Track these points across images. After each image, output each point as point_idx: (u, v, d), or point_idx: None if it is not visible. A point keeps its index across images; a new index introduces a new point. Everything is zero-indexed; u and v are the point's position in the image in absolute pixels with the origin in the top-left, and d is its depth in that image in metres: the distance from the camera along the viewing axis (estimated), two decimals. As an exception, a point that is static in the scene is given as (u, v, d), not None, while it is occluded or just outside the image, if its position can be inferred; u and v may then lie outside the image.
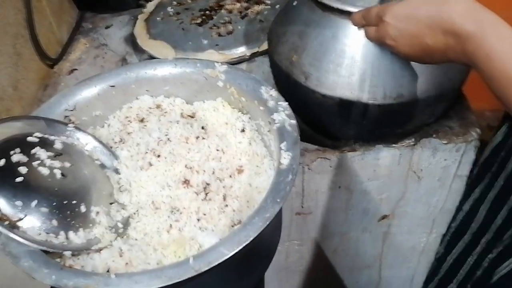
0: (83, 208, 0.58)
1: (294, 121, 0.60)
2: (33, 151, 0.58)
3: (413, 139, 0.83)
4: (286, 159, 0.56)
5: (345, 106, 0.72)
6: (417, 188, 0.91)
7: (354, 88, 0.70)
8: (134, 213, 0.60)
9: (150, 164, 0.63)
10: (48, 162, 0.58)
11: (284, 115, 0.61)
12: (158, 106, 0.71)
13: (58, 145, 0.61)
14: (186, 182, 0.62)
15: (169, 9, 1.06)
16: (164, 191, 0.61)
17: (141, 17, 1.06)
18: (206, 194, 0.61)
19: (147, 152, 0.64)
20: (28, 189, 0.55)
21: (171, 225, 0.59)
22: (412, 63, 0.68)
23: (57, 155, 0.60)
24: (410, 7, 0.56)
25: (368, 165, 0.84)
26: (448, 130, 0.85)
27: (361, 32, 0.67)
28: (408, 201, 0.93)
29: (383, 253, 1.07)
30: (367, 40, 0.67)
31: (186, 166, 0.63)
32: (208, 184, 0.62)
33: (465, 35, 0.50)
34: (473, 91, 0.88)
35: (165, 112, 0.70)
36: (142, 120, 0.69)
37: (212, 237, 0.57)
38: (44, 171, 0.57)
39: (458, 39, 0.51)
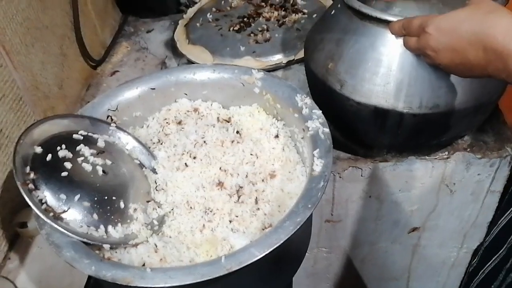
0: (122, 204, 0.60)
1: (327, 129, 0.61)
2: (77, 148, 0.61)
3: (446, 152, 0.83)
4: (318, 166, 0.57)
5: (380, 114, 0.73)
6: (449, 201, 0.90)
7: (389, 97, 0.71)
8: (169, 212, 0.63)
9: (186, 165, 0.65)
10: (91, 159, 0.61)
11: (318, 123, 0.62)
12: (195, 110, 0.73)
13: (100, 143, 0.64)
14: (220, 184, 0.64)
15: (209, 15, 1.09)
16: (199, 192, 0.63)
17: (181, 22, 1.09)
18: (239, 196, 0.63)
19: (183, 154, 0.66)
20: (72, 183, 0.58)
21: (204, 225, 0.61)
22: (449, 74, 0.68)
23: (100, 152, 0.63)
24: (454, 20, 0.57)
25: (400, 176, 0.84)
26: (482, 144, 0.84)
27: (399, 42, 0.68)
28: (440, 214, 0.93)
29: (412, 265, 1.06)
30: (404, 49, 0.68)
31: (220, 168, 0.65)
32: (241, 187, 0.64)
33: (507, 53, 0.51)
34: (509, 105, 0.87)
35: (202, 116, 0.73)
36: (180, 123, 0.72)
37: (243, 239, 0.58)
38: (87, 167, 0.60)
39: (500, 57, 0.52)
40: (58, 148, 0.60)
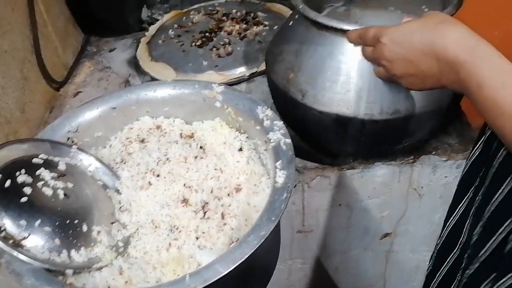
0: (85, 228, 0.59)
1: (289, 140, 0.61)
2: (37, 172, 0.60)
3: (412, 156, 0.84)
4: (281, 177, 0.57)
5: (342, 122, 0.73)
6: (418, 205, 0.91)
7: (350, 105, 0.71)
8: (135, 232, 0.61)
9: (150, 184, 0.64)
10: (52, 182, 0.60)
11: (279, 134, 0.62)
12: (158, 127, 0.72)
13: (62, 166, 0.63)
14: (185, 201, 0.63)
15: (170, 32, 1.09)
16: (163, 210, 0.62)
17: (143, 40, 1.09)
18: (205, 212, 0.62)
19: (147, 172, 0.65)
20: (32, 209, 0.57)
21: (170, 244, 0.60)
22: None
23: (61, 175, 0.62)
24: (407, 31, 0.57)
25: (368, 182, 0.85)
26: (447, 147, 0.85)
27: (356, 49, 0.68)
28: (410, 219, 0.93)
29: (387, 272, 1.06)
30: (363, 57, 0.69)
31: (185, 185, 0.64)
32: (206, 203, 0.63)
33: (458, 63, 0.51)
34: (472, 107, 0.89)
35: (165, 133, 0.72)
36: (142, 141, 0.71)
37: (211, 256, 0.58)
38: (48, 191, 0.59)
39: (451, 67, 0.52)
40: (18, 173, 0.58)
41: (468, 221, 0.63)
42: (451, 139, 0.87)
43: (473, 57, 0.50)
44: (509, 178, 0.55)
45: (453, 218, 0.67)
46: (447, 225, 0.69)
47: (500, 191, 0.57)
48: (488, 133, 0.62)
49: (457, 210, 0.66)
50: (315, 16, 0.70)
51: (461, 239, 0.65)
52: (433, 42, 0.53)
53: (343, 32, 0.69)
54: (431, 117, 0.75)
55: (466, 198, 0.65)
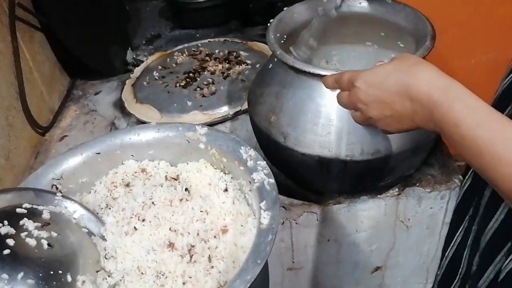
0: (69, 278, 0.58)
1: (272, 180, 0.61)
2: (21, 222, 0.59)
3: (397, 189, 0.85)
4: (266, 218, 0.57)
5: (325, 163, 0.74)
6: (406, 237, 0.91)
7: (331, 146, 0.73)
8: (120, 280, 0.61)
9: (135, 229, 0.64)
10: (35, 232, 0.59)
11: (262, 174, 0.62)
12: (143, 170, 0.72)
13: (46, 215, 0.62)
14: (171, 245, 0.63)
15: (155, 73, 1.10)
16: (149, 255, 0.62)
17: (129, 82, 1.10)
18: (191, 256, 0.62)
19: (132, 217, 0.65)
20: (15, 261, 0.56)
21: (156, 290, 0.59)
22: None
23: (45, 225, 0.61)
24: (380, 74, 0.58)
25: (355, 216, 0.85)
26: (430, 178, 0.86)
27: (335, 93, 0.70)
28: (399, 251, 0.93)
29: (380, 305, 1.05)
30: (339, 103, 0.70)
31: (170, 229, 0.64)
32: (193, 246, 0.63)
33: (433, 103, 0.52)
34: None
35: (150, 176, 0.72)
36: (128, 185, 0.71)
37: (198, 301, 0.57)
38: (31, 242, 0.58)
39: (425, 106, 0.53)
40: (0, 225, 0.58)
41: (466, 250, 0.63)
42: (434, 170, 0.88)
43: (446, 96, 0.50)
44: (501, 207, 0.56)
45: (451, 248, 0.67)
46: (446, 255, 0.69)
47: (494, 220, 0.57)
48: None
49: (454, 239, 0.67)
50: (293, 62, 0.71)
51: (460, 269, 0.65)
52: (407, 83, 0.54)
53: (319, 76, 0.70)
54: (411, 154, 0.76)
55: (462, 228, 0.66)
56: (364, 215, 0.86)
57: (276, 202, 0.59)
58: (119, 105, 1.07)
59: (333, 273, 0.95)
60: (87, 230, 0.65)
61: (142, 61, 1.19)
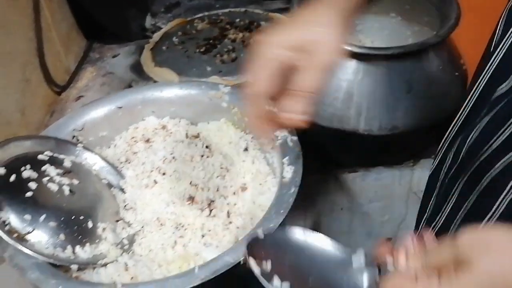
0: (90, 224, 0.59)
1: (295, 137, 0.62)
2: (43, 168, 0.60)
3: (412, 160, 0.85)
4: (288, 172, 0.57)
5: (343, 137, 0.75)
6: (418, 209, 0.91)
7: (350, 121, 0.73)
8: (140, 230, 0.61)
9: (155, 182, 0.64)
10: (57, 178, 0.60)
11: (286, 131, 0.63)
12: (163, 127, 0.73)
13: (67, 163, 0.63)
14: (191, 199, 0.63)
15: (174, 39, 1.10)
16: (169, 208, 0.62)
17: (147, 46, 1.09)
18: (211, 210, 0.62)
19: (152, 171, 0.66)
20: (37, 204, 0.57)
21: (175, 241, 0.59)
22: (406, 96, 0.71)
23: (66, 172, 0.62)
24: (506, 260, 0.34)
25: (369, 186, 0.85)
26: (446, 151, 0.86)
27: (357, 69, 0.71)
28: (410, 224, 0.93)
29: (387, 278, 1.06)
30: (362, 76, 0.70)
31: (191, 183, 0.64)
32: (212, 201, 0.63)
33: None
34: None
35: (170, 133, 0.72)
36: (148, 140, 0.71)
37: (217, 253, 0.57)
38: (53, 187, 0.59)
39: None
40: (23, 168, 0.58)
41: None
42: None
43: None
44: None
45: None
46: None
47: None
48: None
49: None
50: None
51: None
52: None
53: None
54: (429, 131, 0.77)
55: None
56: (378, 185, 0.86)
57: (299, 157, 0.59)
58: (137, 68, 1.06)
59: (345, 243, 0.95)
60: (106, 182, 0.66)
61: (161, 28, 1.18)
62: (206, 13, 1.19)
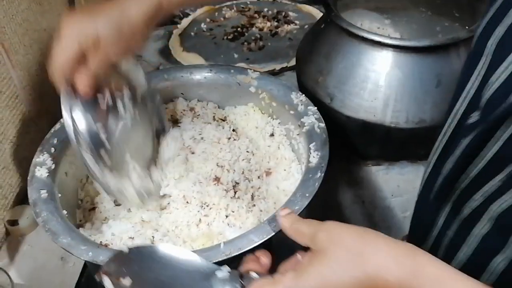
0: (127, 157, 0.60)
1: (323, 124, 0.62)
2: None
3: (437, 157, 0.84)
4: (315, 158, 0.58)
5: (368, 128, 0.75)
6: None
7: (377, 112, 0.73)
8: (167, 205, 0.62)
9: (187, 160, 0.65)
10: (127, 103, 0.61)
11: (313, 118, 0.63)
12: (191, 109, 0.74)
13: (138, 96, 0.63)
14: (217, 179, 0.64)
15: (203, 25, 1.11)
16: (195, 186, 0.63)
17: (176, 31, 1.11)
18: (235, 192, 0.63)
19: (182, 148, 0.66)
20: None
21: (200, 220, 0.60)
22: (435, 90, 0.70)
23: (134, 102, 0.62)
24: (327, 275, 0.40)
25: (392, 180, 0.85)
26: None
27: (386, 59, 0.70)
28: (430, 221, 0.93)
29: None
30: (392, 67, 0.69)
31: (217, 164, 0.65)
32: (237, 183, 0.64)
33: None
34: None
35: (198, 115, 0.73)
36: (176, 121, 0.72)
37: (240, 234, 0.58)
38: (121, 110, 0.60)
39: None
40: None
41: None
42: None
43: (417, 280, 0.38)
44: None
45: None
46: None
47: None
48: None
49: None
50: (347, 25, 0.71)
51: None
52: (362, 274, 0.39)
53: (373, 42, 0.70)
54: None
55: None
56: (401, 179, 0.85)
57: (326, 143, 0.59)
58: (165, 53, 1.08)
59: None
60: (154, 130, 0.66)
61: (189, 14, 1.19)
62: (235, 1, 1.20)
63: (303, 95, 0.67)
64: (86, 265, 0.66)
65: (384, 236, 0.41)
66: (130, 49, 0.57)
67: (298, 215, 0.51)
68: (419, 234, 0.58)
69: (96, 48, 0.52)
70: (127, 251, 0.46)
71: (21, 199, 0.74)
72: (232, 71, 0.73)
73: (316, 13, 1.13)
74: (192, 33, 1.09)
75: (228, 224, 0.60)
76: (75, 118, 0.54)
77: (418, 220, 0.61)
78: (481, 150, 0.44)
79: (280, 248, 0.65)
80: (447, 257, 0.51)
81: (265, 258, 0.44)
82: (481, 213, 0.46)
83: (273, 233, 0.50)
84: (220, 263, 0.48)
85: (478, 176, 0.45)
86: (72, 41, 0.51)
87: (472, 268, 0.43)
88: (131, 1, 0.54)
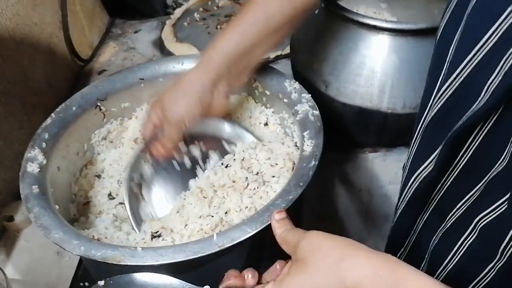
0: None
1: (317, 112, 0.61)
2: None
3: (435, 142, 0.83)
4: (309, 146, 0.57)
5: (365, 115, 0.74)
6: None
7: (373, 98, 0.72)
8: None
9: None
10: None
11: (307, 106, 0.62)
12: (184, 101, 0.73)
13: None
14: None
15: (196, 15, 1.10)
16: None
17: (169, 22, 1.10)
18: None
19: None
20: None
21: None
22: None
23: None
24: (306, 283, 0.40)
25: (390, 167, 0.85)
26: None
27: (382, 45, 0.69)
28: (429, 207, 0.93)
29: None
30: (388, 52, 0.68)
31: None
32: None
33: None
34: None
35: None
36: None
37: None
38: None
39: None
40: None
41: None
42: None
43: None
44: None
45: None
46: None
47: None
48: None
49: None
50: (341, 10, 0.70)
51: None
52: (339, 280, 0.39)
53: (369, 26, 0.69)
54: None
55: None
56: (399, 166, 0.84)
57: (320, 131, 0.59)
58: (158, 44, 1.07)
59: (362, 226, 0.95)
60: None
61: (182, 4, 1.18)
62: (228, -10, 1.19)
63: (297, 82, 0.66)
64: (82, 259, 0.66)
65: (366, 248, 0.40)
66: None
67: (293, 203, 0.51)
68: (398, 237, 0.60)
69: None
70: (102, 283, 0.46)
71: (17, 194, 0.74)
72: (224, 60, 0.72)
73: (311, 0, 1.12)
74: (185, 23, 1.08)
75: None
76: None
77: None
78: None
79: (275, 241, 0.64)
80: (431, 265, 0.52)
81: (252, 279, 0.45)
82: (466, 224, 0.45)
83: (267, 223, 0.49)
84: (213, 255, 0.47)
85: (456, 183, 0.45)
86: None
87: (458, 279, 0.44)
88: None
